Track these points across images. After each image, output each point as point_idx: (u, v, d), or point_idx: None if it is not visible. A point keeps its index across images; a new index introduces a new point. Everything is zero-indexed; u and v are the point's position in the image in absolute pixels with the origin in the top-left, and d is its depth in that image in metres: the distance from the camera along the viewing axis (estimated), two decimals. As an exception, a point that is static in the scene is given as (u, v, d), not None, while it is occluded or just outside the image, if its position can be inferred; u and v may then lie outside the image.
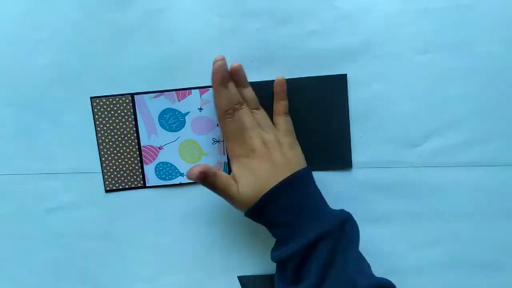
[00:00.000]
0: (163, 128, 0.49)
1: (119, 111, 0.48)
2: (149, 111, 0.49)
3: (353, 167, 0.50)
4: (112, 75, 0.48)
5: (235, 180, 0.45)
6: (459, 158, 0.50)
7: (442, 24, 0.48)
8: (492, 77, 0.49)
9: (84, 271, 0.50)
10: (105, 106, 0.48)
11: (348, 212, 0.45)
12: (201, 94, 0.48)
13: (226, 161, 0.50)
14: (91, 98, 0.48)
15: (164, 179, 0.50)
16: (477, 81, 0.49)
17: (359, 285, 0.40)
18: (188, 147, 0.49)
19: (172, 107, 0.49)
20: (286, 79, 0.48)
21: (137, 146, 0.49)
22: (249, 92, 0.47)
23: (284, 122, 0.47)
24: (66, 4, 0.47)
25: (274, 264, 0.50)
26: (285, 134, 0.47)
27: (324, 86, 0.49)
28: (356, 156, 0.50)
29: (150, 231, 0.50)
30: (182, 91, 0.48)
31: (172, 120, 0.49)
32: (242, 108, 0.45)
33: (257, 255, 0.51)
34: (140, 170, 0.49)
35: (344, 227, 0.43)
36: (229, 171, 0.50)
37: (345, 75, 0.48)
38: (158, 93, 0.48)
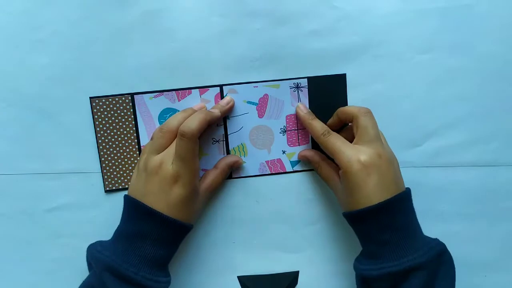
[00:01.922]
0: (163, 128, 0.49)
1: (119, 111, 0.48)
2: (149, 111, 0.49)
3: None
4: (112, 75, 0.48)
5: (338, 179, 0.45)
6: (459, 158, 0.50)
7: (442, 24, 0.48)
8: (492, 77, 0.49)
9: (84, 271, 0.50)
10: (104, 106, 0.48)
11: (443, 243, 0.43)
12: (201, 94, 0.48)
13: (226, 161, 0.50)
14: (90, 98, 0.48)
15: (164, 179, 0.50)
16: (477, 81, 0.49)
17: None
18: (188, 147, 0.49)
19: (172, 107, 0.49)
20: (286, 79, 0.48)
21: (137, 146, 0.49)
22: (317, 123, 0.47)
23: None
24: (66, 4, 0.47)
25: (274, 265, 0.51)
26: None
27: (324, 86, 0.49)
28: (356, 156, 0.50)
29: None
30: (182, 91, 0.48)
31: (172, 120, 0.49)
32: (328, 134, 0.45)
33: (257, 255, 0.51)
34: (140, 170, 0.49)
35: (440, 259, 0.41)
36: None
37: (345, 75, 0.48)
38: (158, 93, 0.48)
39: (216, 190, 0.49)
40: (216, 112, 0.46)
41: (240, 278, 0.51)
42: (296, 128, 0.50)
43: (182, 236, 0.45)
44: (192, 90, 0.48)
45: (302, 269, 0.51)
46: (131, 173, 0.49)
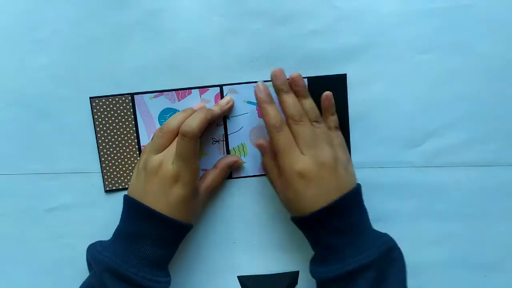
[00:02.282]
0: (163, 128, 0.49)
1: (119, 111, 0.48)
2: (149, 111, 0.49)
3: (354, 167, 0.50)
4: (112, 75, 0.48)
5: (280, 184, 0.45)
6: (459, 158, 0.50)
7: (442, 24, 0.48)
8: (492, 77, 0.49)
9: (84, 271, 0.50)
10: (104, 106, 0.48)
11: (392, 240, 0.43)
12: (201, 94, 0.48)
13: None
14: (90, 98, 0.48)
15: (164, 179, 0.50)
16: (477, 81, 0.49)
17: None
18: (188, 147, 0.49)
19: (172, 107, 0.49)
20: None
21: (137, 146, 0.49)
22: (309, 104, 0.45)
23: (337, 137, 0.46)
24: (66, 4, 0.47)
25: (274, 265, 0.51)
26: (340, 150, 0.45)
27: (324, 86, 0.49)
28: (356, 156, 0.50)
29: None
30: (182, 91, 0.48)
31: (172, 120, 0.49)
32: (301, 122, 0.43)
33: (257, 255, 0.51)
34: (140, 170, 0.49)
35: (389, 257, 0.41)
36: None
37: (345, 75, 0.48)
38: (158, 93, 0.48)
39: (216, 190, 0.49)
40: (216, 110, 0.46)
41: (240, 278, 0.51)
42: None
43: (182, 236, 0.45)
44: (192, 90, 0.48)
45: (302, 269, 0.51)
46: (131, 173, 0.49)
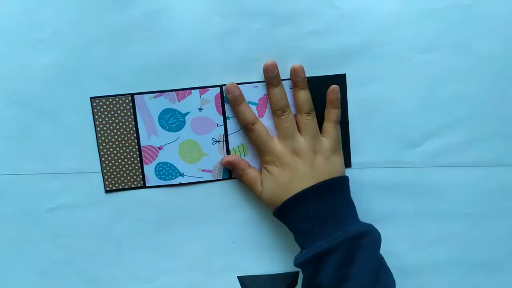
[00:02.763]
0: (163, 128, 0.49)
1: (119, 111, 0.48)
2: (149, 111, 0.49)
3: (352, 167, 0.50)
4: (112, 75, 0.48)
5: (261, 181, 0.47)
6: (459, 158, 0.50)
7: (442, 24, 0.48)
8: (492, 77, 0.49)
9: (84, 271, 0.50)
10: (105, 106, 0.48)
11: (369, 226, 0.45)
12: (201, 94, 0.48)
13: (226, 161, 0.50)
14: (91, 98, 0.48)
15: (164, 179, 0.50)
16: (477, 81, 0.49)
17: None
18: (188, 147, 0.49)
19: (172, 107, 0.49)
20: (286, 79, 0.48)
21: (137, 146, 0.49)
22: (304, 95, 0.47)
23: (333, 130, 0.47)
24: (66, 4, 0.47)
25: (274, 265, 0.51)
26: (330, 143, 0.47)
27: (324, 86, 0.49)
28: (356, 156, 0.50)
29: (150, 231, 0.50)
30: (182, 91, 0.48)
31: (172, 120, 0.49)
32: (283, 115, 0.47)
33: (257, 255, 0.51)
34: (140, 170, 0.49)
35: (358, 242, 0.43)
36: (229, 171, 0.50)
37: (345, 75, 0.48)
38: (158, 93, 0.48)
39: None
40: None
41: (240, 278, 0.51)
42: (296, 128, 0.49)
43: None
44: (192, 90, 0.48)
45: (302, 269, 0.51)
46: (131, 173, 0.49)
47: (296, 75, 0.47)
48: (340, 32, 0.48)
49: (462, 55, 0.48)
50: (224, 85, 0.48)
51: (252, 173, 0.48)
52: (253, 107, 0.49)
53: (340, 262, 0.42)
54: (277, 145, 0.47)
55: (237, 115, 0.48)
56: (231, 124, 0.49)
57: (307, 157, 0.45)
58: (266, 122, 0.49)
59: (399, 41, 0.48)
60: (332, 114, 0.48)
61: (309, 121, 0.47)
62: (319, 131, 0.47)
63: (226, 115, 0.49)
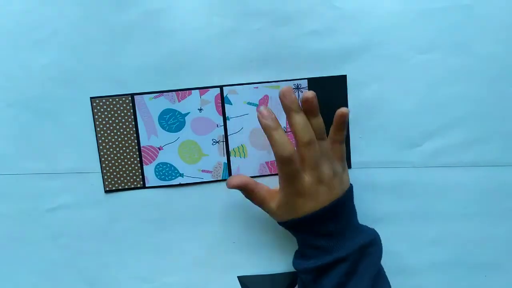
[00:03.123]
0: (163, 128, 0.49)
1: (119, 111, 0.48)
2: (149, 111, 0.49)
3: (353, 167, 0.50)
4: (112, 75, 0.48)
5: (273, 199, 0.46)
6: (459, 158, 0.50)
7: (442, 25, 0.48)
8: (492, 77, 0.49)
9: (84, 271, 0.50)
10: (105, 107, 0.48)
11: (373, 233, 0.46)
12: (201, 94, 0.48)
13: (226, 162, 0.50)
14: (91, 98, 0.48)
15: (164, 179, 0.50)
16: (477, 81, 0.49)
17: None
18: (187, 148, 0.49)
19: (172, 108, 0.49)
20: (286, 80, 0.48)
21: (136, 147, 0.49)
22: (318, 123, 0.44)
23: (340, 150, 0.46)
24: (66, 4, 0.47)
25: (274, 265, 0.51)
26: (342, 163, 0.46)
27: (324, 87, 0.49)
28: (356, 156, 0.50)
29: (150, 231, 0.50)
30: (182, 92, 0.48)
31: (172, 121, 0.49)
32: (309, 146, 0.43)
33: (257, 255, 0.51)
34: (139, 171, 0.49)
35: (364, 251, 0.44)
36: (229, 172, 0.50)
37: (345, 76, 0.48)
38: (158, 94, 0.48)
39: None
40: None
41: (240, 278, 0.51)
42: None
43: None
44: (192, 90, 0.48)
45: (302, 269, 0.51)
46: (131, 173, 0.49)
47: (309, 104, 0.43)
48: (340, 32, 0.48)
49: (462, 55, 0.48)
50: (225, 85, 0.48)
51: (261, 193, 0.46)
52: (253, 108, 0.49)
53: (346, 270, 0.43)
54: (305, 179, 0.43)
55: (274, 145, 0.42)
56: (231, 125, 0.49)
57: (329, 183, 0.44)
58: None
59: (399, 41, 0.48)
60: (339, 136, 0.45)
61: (323, 146, 0.44)
62: (331, 155, 0.45)
63: (226, 115, 0.49)
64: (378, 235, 0.46)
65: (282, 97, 0.42)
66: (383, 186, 0.50)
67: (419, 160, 0.50)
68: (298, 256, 0.47)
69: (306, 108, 0.43)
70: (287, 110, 0.43)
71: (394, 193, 0.50)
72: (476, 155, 0.50)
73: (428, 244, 0.51)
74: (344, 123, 0.45)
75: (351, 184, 0.47)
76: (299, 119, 0.42)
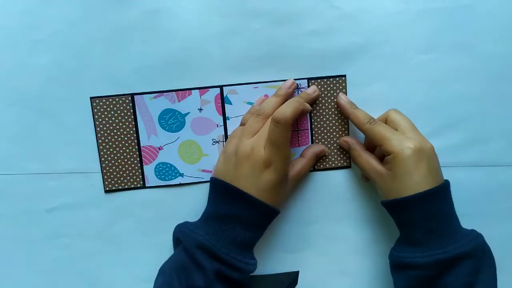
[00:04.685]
0: (163, 128, 0.49)
1: (119, 111, 0.48)
2: (149, 111, 0.49)
3: (353, 167, 0.50)
4: (112, 75, 0.48)
5: (382, 174, 0.45)
6: (459, 158, 0.50)
7: (442, 25, 0.48)
8: (492, 77, 0.49)
9: (84, 271, 0.50)
10: (105, 106, 0.48)
11: (481, 234, 0.44)
12: (201, 94, 0.48)
13: (226, 161, 0.50)
14: (91, 98, 0.48)
15: (164, 179, 0.50)
16: (477, 81, 0.49)
17: None
18: (187, 148, 0.49)
19: (172, 108, 0.49)
20: (285, 80, 0.48)
21: (136, 147, 0.49)
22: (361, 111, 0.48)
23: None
24: (66, 4, 0.47)
25: (274, 265, 0.51)
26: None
27: (324, 87, 0.49)
28: (356, 156, 0.50)
29: (150, 231, 0.50)
30: (182, 92, 0.48)
31: (172, 121, 0.49)
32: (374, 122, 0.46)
33: (257, 255, 0.50)
34: (139, 171, 0.49)
35: (484, 248, 0.42)
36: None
37: (345, 76, 0.49)
38: (158, 94, 0.48)
39: (304, 178, 0.50)
40: (308, 106, 0.46)
41: (240, 278, 0.51)
42: (297, 129, 0.50)
43: (269, 220, 0.45)
44: (192, 90, 0.48)
45: (302, 269, 0.51)
46: (131, 173, 0.49)
47: (344, 100, 0.48)
48: (340, 32, 0.48)
49: (462, 55, 0.48)
50: (224, 85, 0.48)
51: (367, 156, 0.47)
52: (253, 107, 0.49)
53: (474, 267, 0.41)
54: (408, 137, 0.44)
55: (356, 117, 0.47)
56: (231, 125, 0.49)
57: (432, 149, 0.44)
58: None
59: (399, 41, 0.48)
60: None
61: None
62: None
63: (226, 115, 0.49)
64: None
65: (339, 98, 0.48)
66: (383, 186, 0.50)
67: (419, 160, 0.50)
68: (405, 246, 0.44)
69: (344, 109, 0.48)
70: (348, 107, 0.48)
71: (394, 193, 0.50)
72: (476, 155, 0.50)
73: (428, 244, 0.51)
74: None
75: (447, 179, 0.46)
76: (359, 110, 0.47)
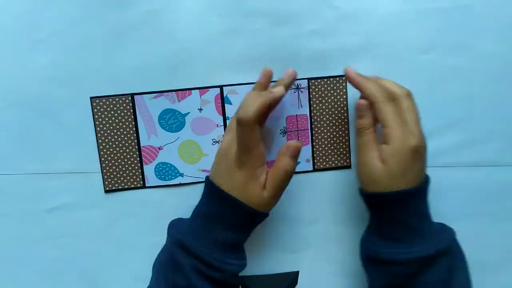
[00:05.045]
0: (163, 128, 0.49)
1: (119, 111, 0.48)
2: (149, 111, 0.49)
3: (353, 167, 0.50)
4: (112, 75, 0.48)
5: (377, 154, 0.43)
6: (459, 158, 0.50)
7: (442, 24, 0.48)
8: (492, 77, 0.49)
9: (84, 271, 0.50)
10: (105, 106, 0.48)
11: (451, 228, 0.44)
12: (201, 94, 0.48)
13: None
14: (91, 98, 0.48)
15: (164, 179, 0.50)
16: (477, 81, 0.49)
17: None
18: (187, 148, 0.49)
19: (172, 108, 0.49)
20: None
21: (136, 147, 0.49)
22: (389, 81, 0.45)
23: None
24: (65, 4, 0.47)
25: (274, 264, 0.51)
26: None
27: (324, 87, 0.49)
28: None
29: (150, 231, 0.50)
30: (182, 92, 0.48)
31: (172, 121, 0.49)
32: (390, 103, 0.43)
33: (257, 255, 0.51)
34: (139, 171, 0.49)
35: (458, 244, 0.43)
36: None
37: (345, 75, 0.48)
38: (158, 94, 0.48)
39: (290, 177, 0.45)
40: (279, 91, 0.43)
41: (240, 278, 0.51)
42: (297, 129, 0.50)
43: (253, 222, 0.45)
44: (192, 90, 0.48)
45: (302, 269, 0.51)
46: (131, 173, 0.49)
47: (352, 72, 0.45)
48: (340, 32, 0.48)
49: (462, 55, 0.48)
50: (225, 85, 0.48)
51: (372, 135, 0.45)
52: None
53: (450, 264, 0.41)
54: (414, 131, 0.42)
55: (367, 90, 0.44)
56: (231, 124, 0.49)
57: (425, 147, 0.43)
58: (266, 123, 0.49)
59: (399, 41, 0.48)
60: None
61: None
62: None
63: (226, 115, 0.49)
64: None
65: (349, 72, 0.45)
66: (383, 186, 0.50)
67: (419, 160, 0.50)
68: (384, 241, 0.43)
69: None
70: (362, 82, 0.44)
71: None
72: (476, 155, 0.50)
73: (428, 244, 0.51)
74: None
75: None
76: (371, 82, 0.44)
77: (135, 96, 0.48)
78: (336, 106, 0.49)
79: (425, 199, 0.43)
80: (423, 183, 0.42)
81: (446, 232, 0.43)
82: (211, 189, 0.44)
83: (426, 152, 0.43)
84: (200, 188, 0.50)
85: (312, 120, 0.50)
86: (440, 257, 0.41)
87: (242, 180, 0.42)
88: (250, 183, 0.42)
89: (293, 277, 0.51)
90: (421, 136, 0.42)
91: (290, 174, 0.43)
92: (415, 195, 0.42)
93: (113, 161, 0.49)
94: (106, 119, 0.48)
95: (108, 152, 0.49)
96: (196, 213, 0.45)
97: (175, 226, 0.45)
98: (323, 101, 0.49)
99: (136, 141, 0.49)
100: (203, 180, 0.49)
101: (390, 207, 0.42)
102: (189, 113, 0.49)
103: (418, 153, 0.42)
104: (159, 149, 0.49)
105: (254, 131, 0.41)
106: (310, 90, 0.49)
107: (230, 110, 0.49)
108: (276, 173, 0.43)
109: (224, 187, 0.42)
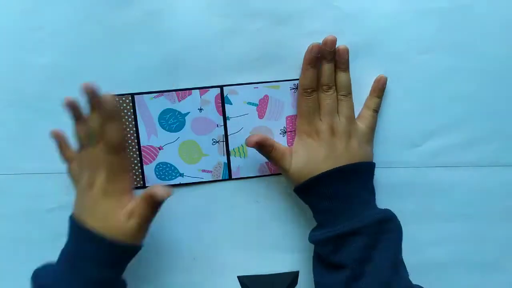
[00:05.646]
0: (163, 128, 0.49)
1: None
2: (149, 111, 0.49)
3: (353, 167, 0.50)
4: (112, 75, 0.48)
5: (291, 154, 0.46)
6: (459, 158, 0.50)
7: (442, 25, 0.48)
8: (492, 77, 0.49)
9: (84, 271, 0.50)
10: (105, 106, 0.48)
11: (391, 212, 0.45)
12: (201, 94, 0.48)
13: (226, 162, 0.50)
14: (91, 98, 0.48)
15: (164, 179, 0.50)
16: (477, 81, 0.49)
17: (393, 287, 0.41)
18: (187, 148, 0.49)
19: (172, 108, 0.49)
20: (286, 80, 0.48)
21: (136, 146, 0.49)
22: (344, 77, 0.46)
23: (370, 117, 0.47)
24: (66, 4, 0.47)
25: (274, 265, 0.51)
26: (365, 129, 0.47)
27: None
28: (356, 156, 0.50)
29: (150, 231, 0.50)
30: (182, 92, 0.48)
31: (172, 121, 0.49)
32: (328, 92, 0.45)
33: (257, 255, 0.51)
34: (139, 170, 0.49)
35: (383, 227, 0.43)
36: (229, 172, 0.50)
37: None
38: (158, 93, 0.48)
39: (159, 204, 0.43)
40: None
41: (240, 278, 0.51)
42: (292, 130, 0.49)
43: (124, 255, 0.43)
44: (192, 90, 0.48)
45: (302, 269, 0.51)
46: (130, 173, 0.49)
47: (339, 56, 0.46)
48: (340, 32, 0.48)
49: (462, 55, 0.48)
50: (225, 85, 0.48)
51: (281, 148, 0.47)
52: (253, 108, 0.49)
53: (365, 243, 0.42)
54: (319, 120, 0.46)
55: (304, 74, 0.46)
56: (231, 125, 0.49)
57: (343, 138, 0.45)
58: (266, 123, 0.49)
59: (399, 41, 0.48)
60: (373, 102, 0.48)
61: (346, 102, 0.46)
62: (354, 116, 0.47)
63: (226, 115, 0.49)
64: (397, 217, 0.45)
65: (324, 44, 0.45)
66: (383, 186, 0.50)
67: (419, 160, 0.50)
68: (315, 228, 0.47)
69: (337, 59, 0.46)
70: (322, 58, 0.46)
71: (394, 193, 0.50)
72: (476, 155, 0.50)
73: (428, 244, 0.51)
74: (379, 90, 0.48)
75: (374, 163, 0.47)
76: (327, 67, 0.46)
77: (135, 96, 0.48)
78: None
79: (336, 184, 0.44)
80: (330, 171, 0.44)
81: (369, 214, 0.43)
82: (71, 225, 0.43)
83: (339, 140, 0.45)
84: (200, 188, 0.50)
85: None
86: (354, 236, 0.42)
87: (106, 211, 0.42)
88: (116, 211, 0.42)
89: (293, 277, 0.51)
90: (322, 126, 0.45)
91: (159, 200, 0.41)
92: (319, 181, 0.44)
93: (113, 161, 0.49)
94: (106, 119, 0.48)
95: (108, 152, 0.49)
96: (61, 255, 0.42)
97: (40, 277, 0.42)
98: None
99: (136, 141, 0.49)
100: (203, 180, 0.50)
101: (303, 197, 0.47)
102: (189, 113, 0.49)
103: (318, 138, 0.45)
104: (159, 149, 0.49)
105: (123, 157, 0.44)
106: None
107: (230, 110, 0.49)
108: (143, 198, 0.42)
109: (88, 222, 0.41)
